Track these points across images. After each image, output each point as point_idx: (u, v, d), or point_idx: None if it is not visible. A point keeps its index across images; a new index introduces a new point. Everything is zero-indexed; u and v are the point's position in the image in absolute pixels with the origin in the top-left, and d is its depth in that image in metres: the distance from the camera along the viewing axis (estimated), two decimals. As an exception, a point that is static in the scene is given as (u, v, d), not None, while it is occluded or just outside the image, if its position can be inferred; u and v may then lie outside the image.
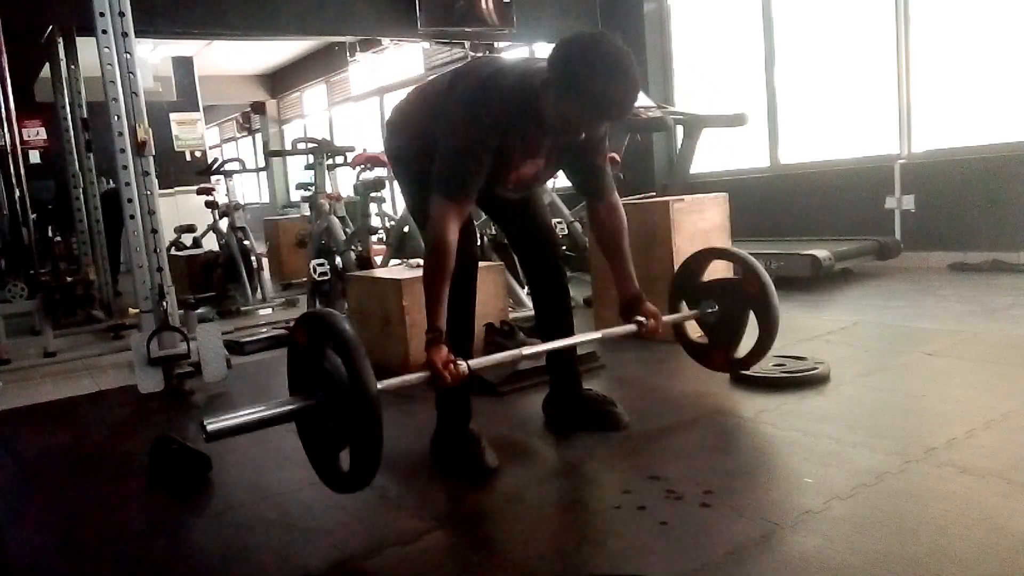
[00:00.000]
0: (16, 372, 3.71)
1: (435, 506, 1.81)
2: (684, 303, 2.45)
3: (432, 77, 2.13)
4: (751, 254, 2.25)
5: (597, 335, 2.12)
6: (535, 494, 1.82)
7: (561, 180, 4.89)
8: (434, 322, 1.76)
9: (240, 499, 1.94)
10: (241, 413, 1.61)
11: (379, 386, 1.54)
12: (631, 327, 2.07)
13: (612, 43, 1.71)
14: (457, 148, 1.78)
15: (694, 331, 2.51)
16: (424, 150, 1.87)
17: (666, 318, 2.21)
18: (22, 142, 5.49)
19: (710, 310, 2.34)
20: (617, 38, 1.74)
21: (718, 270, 2.54)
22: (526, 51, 6.39)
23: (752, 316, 2.30)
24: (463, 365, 1.74)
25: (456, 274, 1.92)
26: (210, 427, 1.53)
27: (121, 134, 2.85)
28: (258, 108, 13.12)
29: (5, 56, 4.79)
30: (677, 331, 2.50)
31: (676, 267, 3.08)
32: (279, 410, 1.64)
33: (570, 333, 2.20)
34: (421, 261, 3.39)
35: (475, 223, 2.21)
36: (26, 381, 3.57)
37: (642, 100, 3.86)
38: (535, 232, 2.18)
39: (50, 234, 6.36)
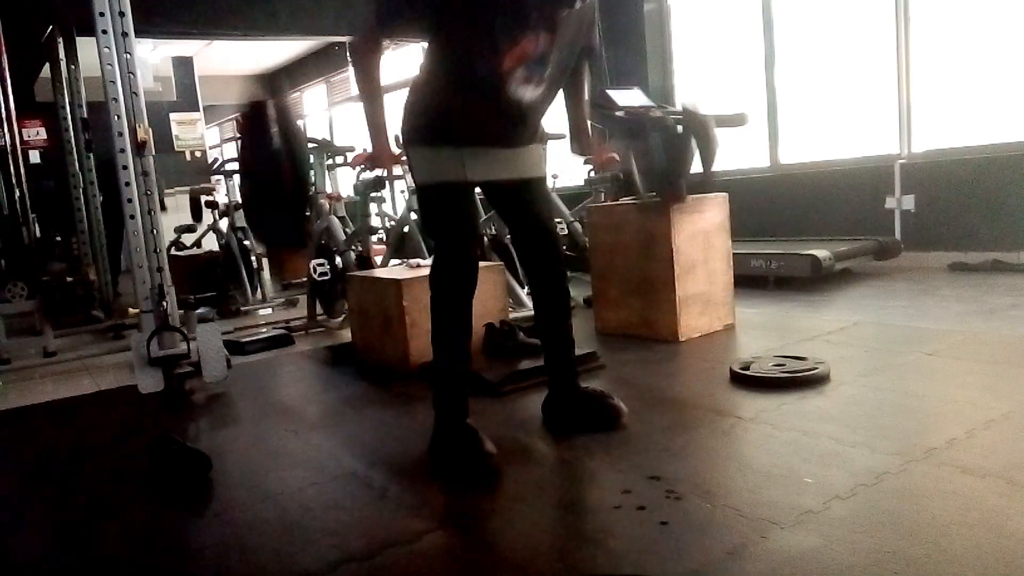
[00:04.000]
0: (16, 372, 3.71)
1: (435, 506, 1.81)
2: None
3: None
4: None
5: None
6: (535, 494, 1.81)
7: (561, 180, 4.85)
8: (377, 124, 2.00)
9: (240, 499, 1.94)
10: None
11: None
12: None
13: None
14: None
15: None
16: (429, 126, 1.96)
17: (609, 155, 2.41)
18: (22, 142, 5.49)
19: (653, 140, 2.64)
20: None
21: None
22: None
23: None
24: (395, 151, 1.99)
25: (457, 276, 1.92)
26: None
27: (121, 134, 2.85)
28: (258, 108, 13.08)
29: (5, 56, 4.79)
30: (628, 182, 2.71)
31: (676, 267, 3.10)
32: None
33: (569, 334, 2.21)
34: (421, 261, 3.43)
35: (476, 222, 2.21)
36: (26, 381, 3.58)
37: (642, 100, 3.86)
38: (538, 230, 2.16)
39: (50, 234, 6.35)
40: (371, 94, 1.99)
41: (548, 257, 2.18)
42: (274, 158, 1.88)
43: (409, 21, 1.97)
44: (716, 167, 2.71)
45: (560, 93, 2.13)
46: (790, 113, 5.49)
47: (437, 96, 1.96)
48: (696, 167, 2.72)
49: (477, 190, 2.16)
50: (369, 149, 2.03)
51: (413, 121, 2.02)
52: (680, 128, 2.67)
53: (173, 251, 6.43)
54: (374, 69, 1.98)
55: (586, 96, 2.28)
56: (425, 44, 2.05)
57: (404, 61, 9.25)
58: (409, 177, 4.87)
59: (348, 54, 2.16)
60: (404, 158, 2.14)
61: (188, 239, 7.10)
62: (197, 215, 6.17)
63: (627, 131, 2.66)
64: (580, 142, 2.29)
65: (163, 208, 3.26)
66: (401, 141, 2.07)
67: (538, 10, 1.83)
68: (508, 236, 4.34)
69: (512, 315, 3.46)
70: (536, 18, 1.83)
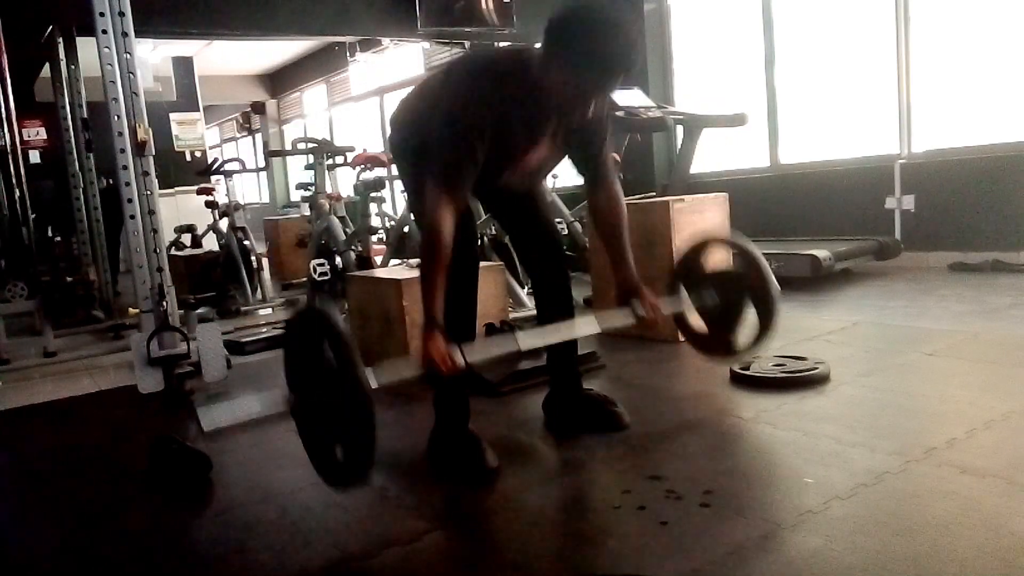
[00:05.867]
0: (16, 372, 3.71)
1: (435, 506, 1.81)
2: (685, 292, 2.44)
3: (431, 71, 2.14)
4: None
5: (594, 325, 2.06)
6: (535, 494, 1.81)
7: (561, 180, 4.86)
8: (431, 312, 1.75)
9: (240, 499, 1.94)
10: (237, 407, 1.62)
11: (373, 384, 1.55)
12: (628, 315, 2.04)
13: (602, 2, 1.72)
14: (450, 135, 1.77)
15: (695, 324, 2.49)
16: (425, 144, 1.86)
17: (664, 308, 2.19)
18: (22, 142, 5.49)
19: (710, 300, 2.32)
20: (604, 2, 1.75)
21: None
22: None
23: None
24: (459, 357, 1.73)
25: (457, 275, 1.91)
26: (207, 427, 1.53)
27: (121, 134, 2.85)
28: (258, 108, 13.12)
29: (5, 56, 4.79)
30: (678, 321, 2.49)
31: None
32: (275, 406, 1.66)
33: (573, 339, 2.20)
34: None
35: (476, 223, 2.21)
36: (26, 381, 3.57)
37: (642, 100, 3.86)
38: (539, 233, 2.16)
39: (50, 234, 6.36)
40: (437, 279, 1.76)
41: (550, 258, 2.17)
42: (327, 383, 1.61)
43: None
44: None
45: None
46: (790, 113, 5.49)
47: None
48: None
49: None
50: (428, 356, 1.73)
51: (404, 135, 2.03)
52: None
53: (173, 251, 6.44)
54: (446, 252, 1.75)
55: (628, 248, 2.09)
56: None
57: (405, 60, 9.27)
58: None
59: (420, 239, 1.89)
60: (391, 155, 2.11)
61: (188, 239, 7.12)
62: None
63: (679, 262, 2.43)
64: (632, 306, 2.03)
65: None
66: (390, 148, 2.05)
67: (547, 129, 1.87)
68: (508, 236, 4.36)
69: (512, 315, 3.46)
70: (545, 136, 1.88)
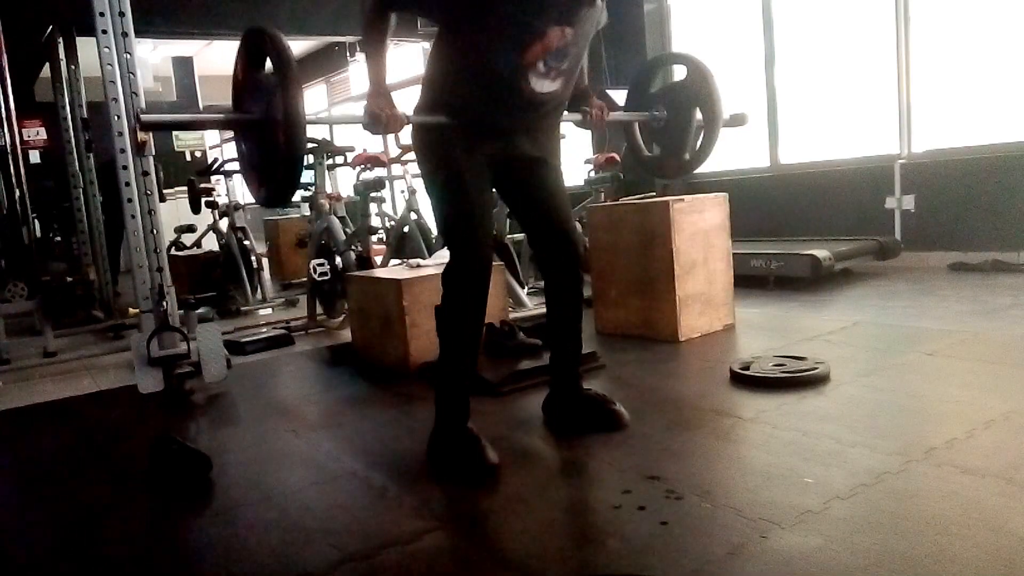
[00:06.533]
0: (16, 372, 3.71)
1: (435, 506, 1.81)
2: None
3: None
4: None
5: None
6: (535, 494, 1.81)
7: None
8: (377, 78, 1.91)
9: (240, 499, 1.94)
10: (180, 116, 1.77)
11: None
12: (576, 116, 2.16)
13: None
14: None
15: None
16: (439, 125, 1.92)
17: (613, 114, 2.28)
18: (22, 142, 5.48)
19: (657, 113, 2.42)
20: None
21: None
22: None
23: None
24: (401, 112, 1.87)
25: (471, 279, 1.93)
26: (144, 119, 1.81)
27: (121, 134, 2.85)
28: (258, 108, 13.06)
29: (5, 56, 4.79)
30: (631, 143, 2.61)
31: (676, 267, 3.10)
32: (218, 116, 1.81)
33: (579, 337, 2.19)
34: (421, 261, 3.42)
35: (491, 219, 2.19)
36: (26, 381, 3.57)
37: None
38: (556, 228, 2.12)
39: (50, 234, 6.36)
40: (376, 56, 1.93)
41: (566, 258, 2.14)
42: (271, 106, 1.83)
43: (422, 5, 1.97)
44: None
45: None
46: (790, 113, 5.49)
47: (451, 89, 1.94)
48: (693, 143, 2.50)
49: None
50: (370, 111, 1.88)
51: (423, 108, 2.01)
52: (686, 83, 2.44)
53: (173, 251, 6.43)
54: (382, 39, 1.93)
55: (585, 64, 2.17)
56: (432, 42, 2.04)
57: (404, 61, 9.27)
58: (409, 177, 4.88)
59: (362, 22, 2.05)
60: (411, 142, 2.10)
61: (188, 239, 7.12)
62: (196, 207, 6.15)
63: (629, 98, 2.53)
64: (581, 111, 2.19)
65: (162, 199, 3.26)
66: (411, 129, 2.01)
67: (560, 5, 1.84)
68: (509, 236, 4.36)
69: (512, 315, 3.47)
70: (558, 13, 1.84)
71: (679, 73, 2.53)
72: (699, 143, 2.40)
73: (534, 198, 2.12)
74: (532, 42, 1.84)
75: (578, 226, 4.33)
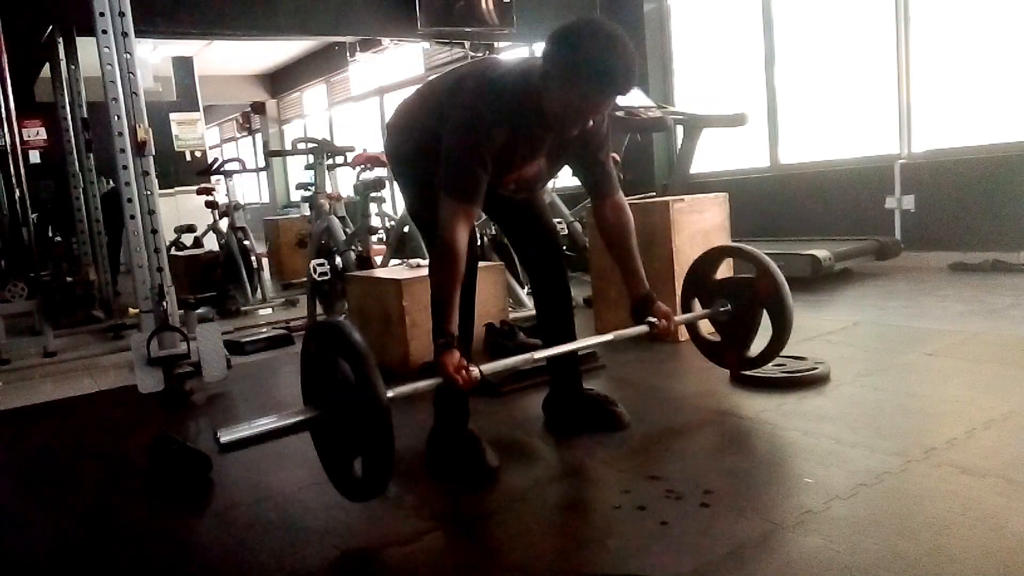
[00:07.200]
0: (16, 372, 3.71)
1: (435, 506, 1.81)
2: (697, 301, 2.44)
3: (432, 78, 2.13)
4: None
5: (608, 337, 2.05)
6: (535, 494, 1.82)
7: (561, 180, 4.85)
8: (446, 327, 1.74)
9: (240, 499, 1.94)
10: (255, 424, 1.61)
11: (389, 394, 1.52)
12: (643, 328, 2.03)
13: (601, 22, 1.74)
14: (464, 149, 1.77)
15: (705, 329, 2.50)
16: (426, 149, 1.87)
17: (678, 318, 2.19)
18: (22, 142, 5.49)
19: (723, 308, 2.31)
20: (605, 19, 1.77)
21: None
22: (526, 51, 6.39)
23: (765, 315, 2.29)
24: (475, 371, 1.73)
25: (442, 261, 1.91)
26: (223, 439, 1.53)
27: (121, 134, 2.85)
28: (258, 108, 13.13)
29: (5, 56, 4.79)
30: (691, 330, 2.50)
31: (676, 267, 3.09)
32: (292, 420, 1.63)
33: (572, 335, 2.19)
34: (421, 261, 3.42)
35: (475, 223, 2.20)
36: (26, 381, 3.58)
37: (642, 100, 3.86)
38: (538, 233, 2.17)
39: (50, 234, 6.36)
40: (451, 301, 1.76)
41: (549, 259, 2.18)
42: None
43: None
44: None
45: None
46: (790, 113, 5.49)
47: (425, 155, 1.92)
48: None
49: None
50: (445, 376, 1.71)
51: (397, 142, 2.03)
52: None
53: (173, 251, 6.44)
54: (462, 259, 1.76)
55: (639, 264, 2.07)
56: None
57: (405, 60, 9.27)
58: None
59: (434, 251, 1.86)
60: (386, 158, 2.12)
61: (188, 239, 7.12)
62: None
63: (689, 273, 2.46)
64: (649, 323, 2.03)
65: None
66: (385, 152, 2.05)
67: (548, 147, 1.89)
68: (507, 237, 4.36)
69: (512, 315, 3.46)
70: (543, 151, 1.89)
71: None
72: (765, 348, 2.29)
73: (514, 205, 2.12)
74: (508, 174, 1.89)
75: (578, 226, 4.38)
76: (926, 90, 4.72)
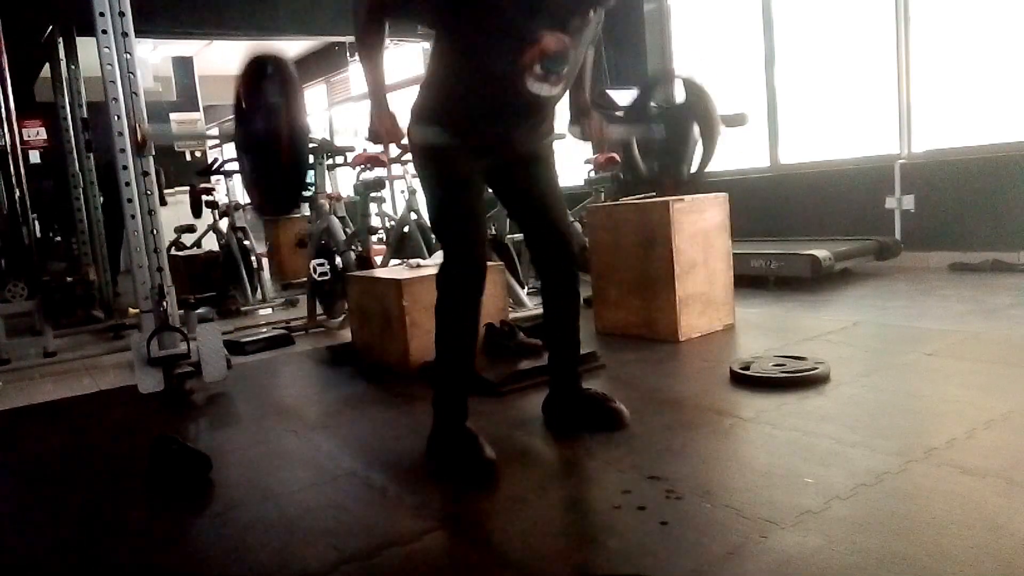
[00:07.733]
0: (16, 372, 3.71)
1: (435, 506, 1.81)
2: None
3: None
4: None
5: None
6: (535, 494, 1.81)
7: (561, 180, 4.87)
8: (377, 91, 1.94)
9: (240, 499, 1.94)
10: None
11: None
12: (575, 128, 2.22)
13: None
14: None
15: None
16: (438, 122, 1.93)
17: (610, 127, 2.31)
18: (22, 142, 5.48)
19: (655, 127, 2.46)
20: None
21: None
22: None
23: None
24: (399, 128, 1.95)
25: (465, 280, 1.94)
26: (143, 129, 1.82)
27: (121, 134, 2.85)
28: (258, 108, 13.06)
29: (5, 56, 4.79)
30: (631, 164, 2.64)
31: (676, 267, 3.10)
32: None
33: (576, 337, 2.19)
34: (421, 261, 3.42)
35: (485, 222, 2.20)
36: (26, 381, 3.58)
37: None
38: (551, 229, 2.13)
39: (50, 234, 6.36)
40: (372, 64, 1.95)
41: (561, 259, 2.15)
42: (273, 120, 1.88)
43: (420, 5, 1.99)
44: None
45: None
46: (790, 113, 5.49)
47: (449, 93, 1.94)
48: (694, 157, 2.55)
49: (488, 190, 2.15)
50: (372, 128, 1.98)
51: (421, 117, 2.01)
52: (682, 106, 2.49)
53: (173, 251, 6.43)
54: (377, 47, 1.95)
55: (588, 78, 2.21)
56: (430, 43, 2.05)
57: (405, 60, 9.28)
58: (408, 177, 4.88)
59: (354, 30, 2.12)
60: (409, 147, 2.11)
61: (188, 239, 7.11)
62: (197, 211, 6.16)
63: (628, 115, 2.55)
64: (581, 124, 2.23)
65: (163, 203, 3.26)
66: (408, 136, 2.03)
67: (552, 13, 1.84)
68: (509, 236, 4.36)
69: (512, 315, 3.46)
70: (550, 20, 1.84)
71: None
72: (700, 161, 2.43)
73: (528, 196, 2.13)
74: (529, 45, 1.83)
75: (578, 226, 4.38)
76: (926, 90, 4.72)
